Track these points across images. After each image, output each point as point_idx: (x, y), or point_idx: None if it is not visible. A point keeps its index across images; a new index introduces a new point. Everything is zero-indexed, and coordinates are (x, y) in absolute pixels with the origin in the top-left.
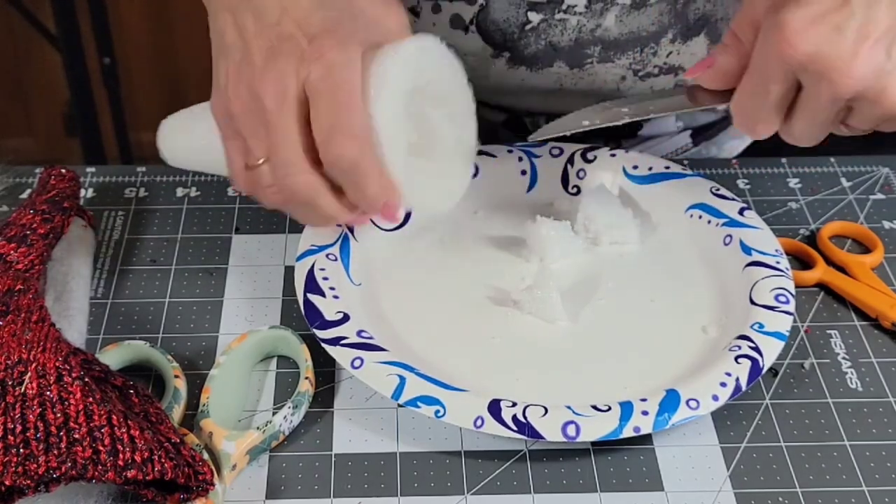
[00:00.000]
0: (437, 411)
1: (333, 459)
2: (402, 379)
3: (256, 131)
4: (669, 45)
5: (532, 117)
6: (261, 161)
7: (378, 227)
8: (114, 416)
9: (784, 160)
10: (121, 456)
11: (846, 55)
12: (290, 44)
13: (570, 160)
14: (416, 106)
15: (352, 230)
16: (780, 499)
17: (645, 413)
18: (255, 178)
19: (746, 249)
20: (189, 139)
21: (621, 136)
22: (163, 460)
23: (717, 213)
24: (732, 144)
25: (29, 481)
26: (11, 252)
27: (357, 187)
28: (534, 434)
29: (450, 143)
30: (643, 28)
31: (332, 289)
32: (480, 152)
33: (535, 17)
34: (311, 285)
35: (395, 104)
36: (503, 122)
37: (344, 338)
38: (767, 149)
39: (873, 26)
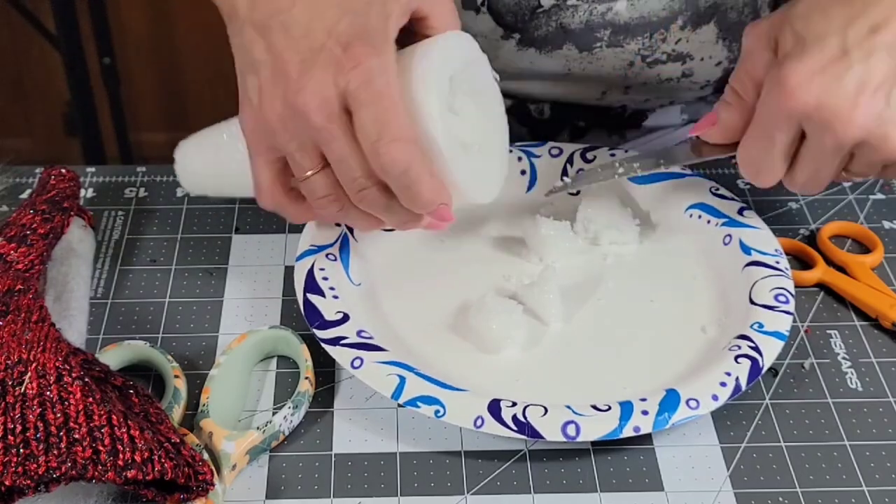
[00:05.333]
0: (437, 411)
1: (333, 459)
2: (402, 379)
3: (303, 144)
4: (679, 32)
5: (537, 104)
6: (310, 173)
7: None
8: (114, 416)
9: None
10: (121, 456)
11: (847, 104)
12: (324, 54)
13: (570, 160)
14: (455, 102)
15: (351, 230)
16: (780, 499)
17: (645, 413)
18: (303, 188)
19: (746, 249)
20: (207, 163)
21: (625, 128)
22: (163, 460)
23: (716, 213)
24: None
25: (29, 481)
26: (11, 252)
27: (410, 192)
28: (533, 434)
29: (486, 135)
30: (654, 13)
31: (331, 289)
32: None
33: (546, 1)
34: (311, 285)
35: (440, 103)
36: (509, 109)
37: (344, 338)
38: None
39: (872, 75)
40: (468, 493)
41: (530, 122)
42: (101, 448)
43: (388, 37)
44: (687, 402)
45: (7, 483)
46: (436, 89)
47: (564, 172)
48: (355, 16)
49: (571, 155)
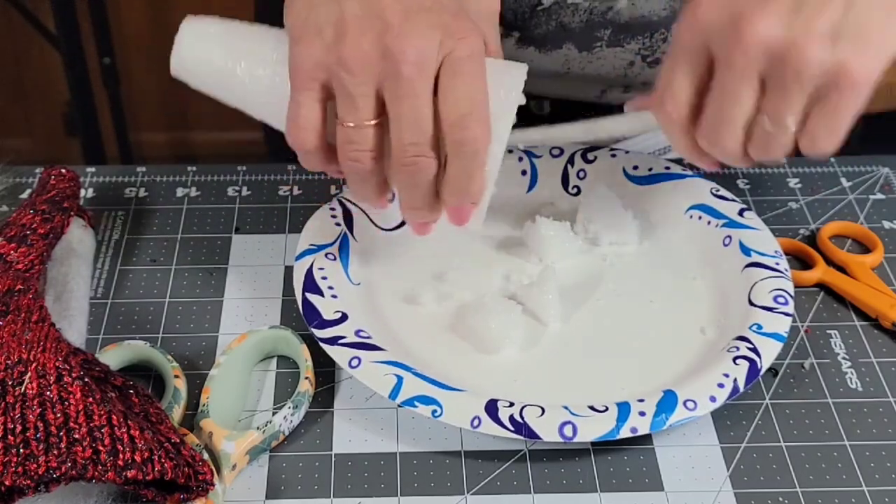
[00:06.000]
0: (435, 411)
1: (333, 459)
2: (400, 378)
3: (373, 91)
4: None
5: (537, 101)
6: (366, 122)
7: (378, 226)
8: (114, 416)
9: (784, 160)
10: (121, 456)
11: (754, 5)
12: (433, 14)
13: (571, 160)
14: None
15: (351, 230)
16: (780, 499)
17: (642, 414)
18: (346, 136)
19: (746, 250)
20: (219, 56)
21: None
22: (163, 460)
23: (716, 214)
24: None
25: (29, 481)
26: (11, 252)
27: (465, 176)
28: (531, 434)
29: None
30: (654, 13)
31: (330, 288)
32: None
33: None
34: (310, 285)
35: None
36: None
37: (342, 337)
38: None
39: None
40: (468, 493)
41: (530, 118)
42: (101, 448)
43: (492, 15)
44: (684, 403)
45: (7, 483)
46: (515, 100)
47: (565, 173)
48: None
49: (572, 155)
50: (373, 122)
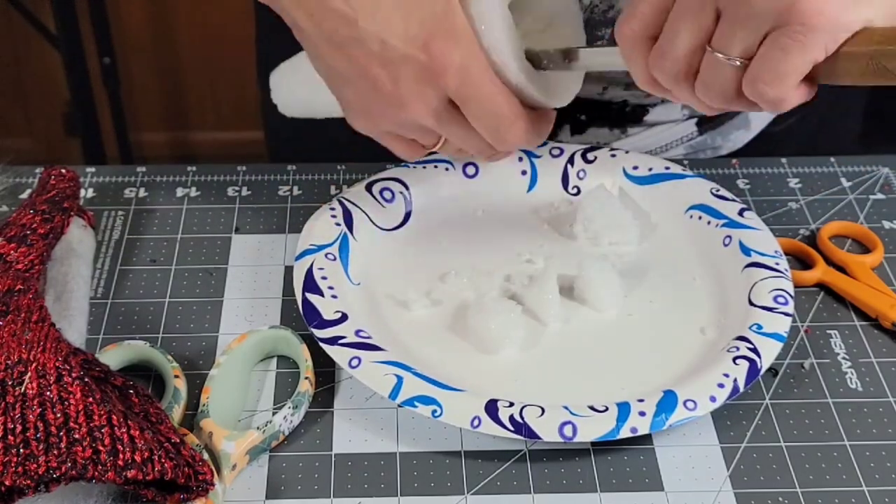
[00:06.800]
0: (434, 411)
1: (333, 459)
2: (400, 378)
3: (423, 133)
4: None
5: None
6: (435, 147)
7: (378, 226)
8: (114, 416)
9: (784, 160)
10: (121, 456)
11: None
12: (410, 64)
13: (571, 160)
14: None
15: (351, 230)
16: (780, 499)
17: (642, 414)
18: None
19: (746, 250)
20: (307, 83)
21: (627, 122)
22: (163, 460)
23: (716, 214)
24: (738, 135)
25: (29, 481)
26: (11, 252)
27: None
28: (531, 434)
29: (564, 39)
30: None
31: (330, 288)
32: None
33: None
34: (310, 285)
35: (509, 40)
36: None
37: (342, 337)
38: (768, 149)
39: None
40: (468, 493)
41: None
42: (101, 448)
43: (455, 15)
44: (684, 403)
45: (7, 483)
46: (499, 26)
47: (565, 173)
48: (419, 12)
49: (572, 155)
50: (440, 144)
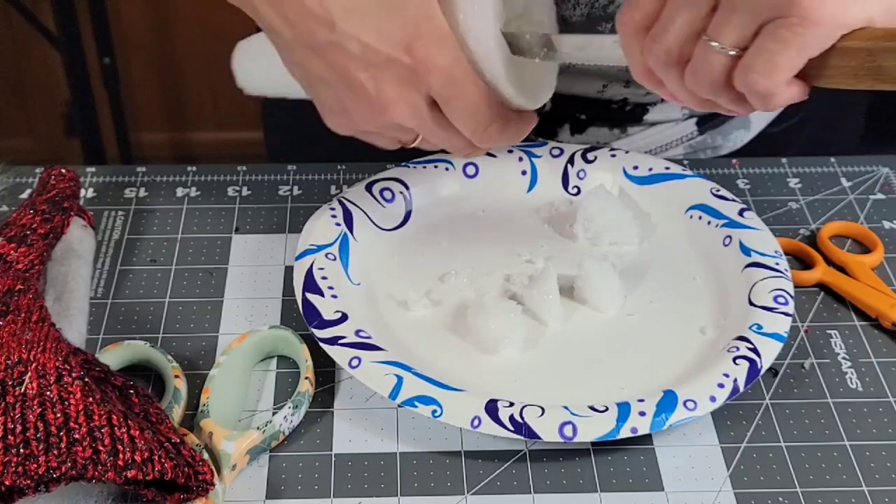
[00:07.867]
0: (434, 411)
1: (333, 459)
2: (400, 378)
3: (404, 132)
4: None
5: None
6: (416, 142)
7: (378, 226)
8: (114, 416)
9: (784, 160)
10: (121, 456)
11: None
12: (394, 67)
13: (571, 160)
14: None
15: (351, 230)
16: (780, 499)
17: (642, 414)
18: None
19: (746, 250)
20: (269, 64)
21: (627, 122)
22: (163, 460)
23: (716, 214)
24: (738, 135)
25: (29, 481)
26: (11, 252)
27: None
28: (531, 434)
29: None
30: None
31: (330, 288)
32: None
33: None
34: (310, 285)
35: (494, 43)
36: None
37: (342, 337)
38: (768, 149)
39: None
40: (468, 493)
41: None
42: (101, 448)
43: (436, 15)
44: (684, 403)
45: (7, 483)
46: (478, 14)
47: (565, 173)
48: (398, 15)
49: (572, 155)
50: (420, 139)
